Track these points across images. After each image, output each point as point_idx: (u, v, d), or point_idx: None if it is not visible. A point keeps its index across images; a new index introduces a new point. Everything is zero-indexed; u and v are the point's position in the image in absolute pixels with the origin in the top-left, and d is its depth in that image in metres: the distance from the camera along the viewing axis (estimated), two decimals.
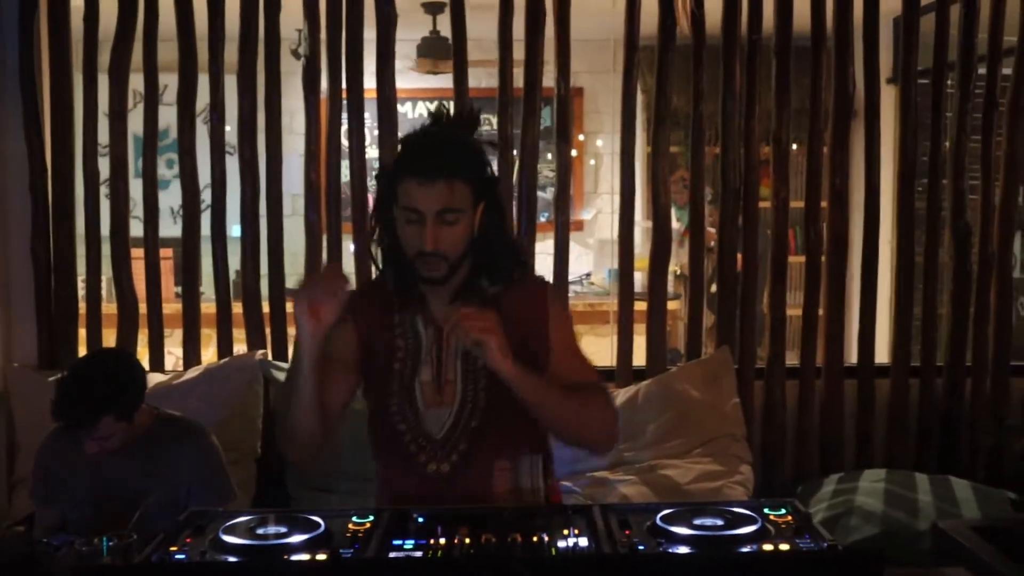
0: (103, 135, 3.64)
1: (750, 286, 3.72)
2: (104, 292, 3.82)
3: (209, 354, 3.80)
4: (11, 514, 3.29)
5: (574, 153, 6.98)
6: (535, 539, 1.75)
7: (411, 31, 5.77)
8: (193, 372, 3.59)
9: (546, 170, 5.84)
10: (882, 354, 3.84)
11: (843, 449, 3.73)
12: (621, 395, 3.57)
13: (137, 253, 3.71)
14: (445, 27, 3.69)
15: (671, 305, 4.65)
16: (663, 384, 3.57)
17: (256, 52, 3.62)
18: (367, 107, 3.69)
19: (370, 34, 3.65)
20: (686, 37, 3.66)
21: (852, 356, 3.82)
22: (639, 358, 3.76)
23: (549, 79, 3.67)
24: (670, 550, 1.71)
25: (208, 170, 3.66)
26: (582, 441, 2.23)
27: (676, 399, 3.51)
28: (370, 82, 3.66)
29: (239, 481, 3.27)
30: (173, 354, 3.87)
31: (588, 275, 6.42)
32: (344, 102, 3.67)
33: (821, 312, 3.76)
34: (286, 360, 3.68)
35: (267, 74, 3.63)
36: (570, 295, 5.43)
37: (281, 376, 3.54)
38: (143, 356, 3.72)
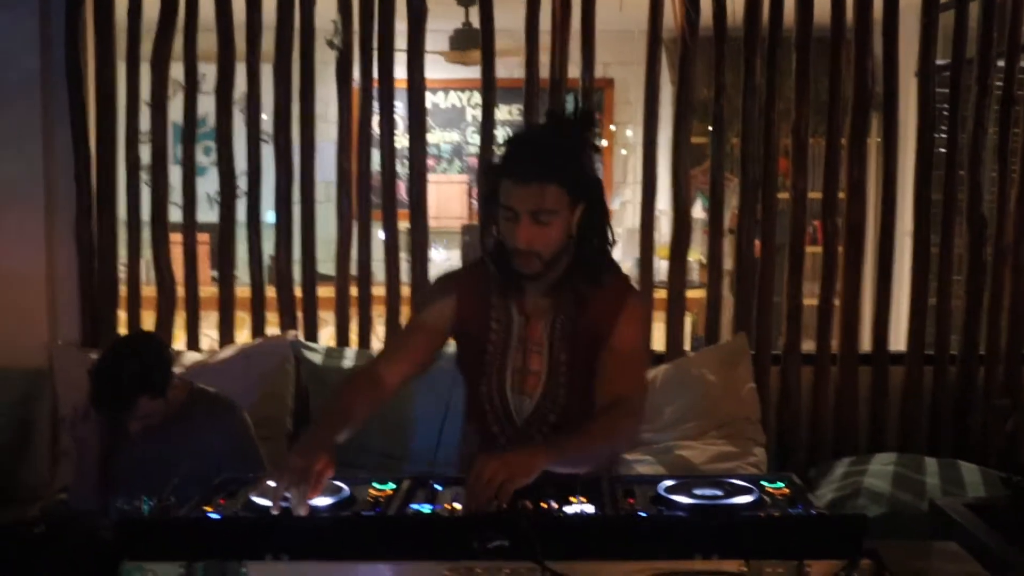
0: (144, 123, 3.78)
1: (768, 274, 3.80)
2: (143, 275, 3.97)
3: (243, 336, 3.94)
4: (55, 483, 3.45)
5: (605, 143, 7.08)
6: (544, 505, 1.87)
7: (445, 22, 5.88)
8: (227, 352, 3.73)
9: None
10: (897, 343, 3.92)
11: (856, 434, 3.81)
12: None
13: (175, 238, 3.86)
14: (477, 19, 3.80)
15: (697, 294, 4.75)
16: (681, 368, 3.67)
17: (292, 42, 3.74)
18: (399, 97, 3.81)
19: (402, 26, 3.76)
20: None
21: (867, 344, 3.90)
22: (660, 343, 3.86)
23: (577, 70, 3.77)
24: (669, 516, 1.82)
25: (244, 157, 3.80)
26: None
27: (693, 383, 3.61)
28: (402, 72, 3.77)
29: (270, 458, 3.39)
30: (209, 336, 4.01)
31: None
32: (376, 92, 3.78)
33: (837, 301, 3.83)
34: (316, 341, 3.83)
35: (302, 64, 3.75)
36: None
37: (312, 356, 3.68)
38: (179, 337, 3.87)
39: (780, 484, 1.99)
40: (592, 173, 2.20)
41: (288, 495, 1.84)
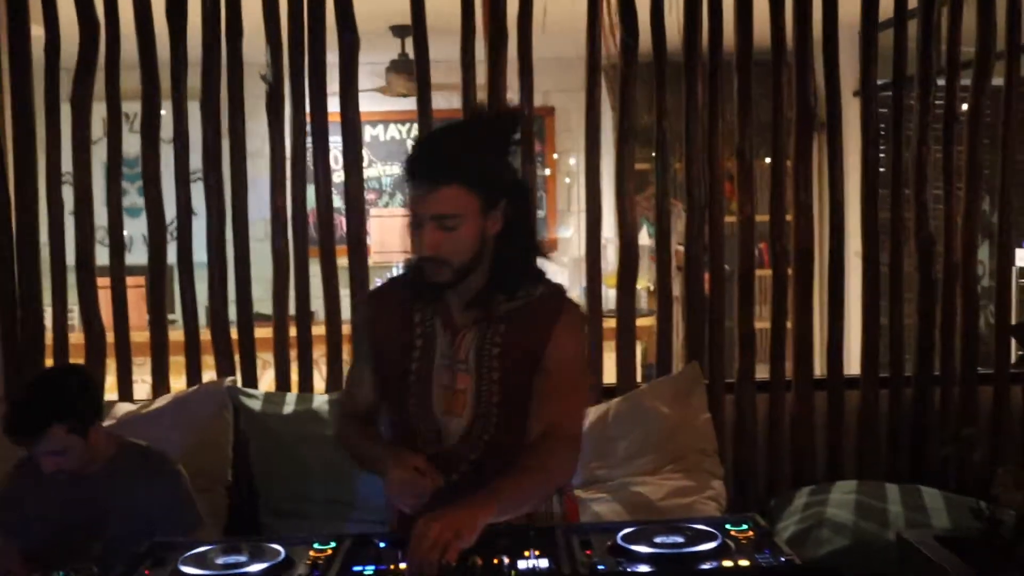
0: (68, 164, 3.62)
1: (718, 301, 3.73)
2: (73, 322, 3.79)
3: (182, 382, 3.77)
4: None
5: (548, 172, 7.02)
6: (495, 561, 1.75)
7: (380, 54, 5.80)
8: (162, 400, 3.57)
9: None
10: (852, 365, 3.86)
11: (815, 461, 3.74)
12: (591, 413, 3.56)
13: (104, 282, 3.69)
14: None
15: (647, 322, 4.67)
16: (633, 401, 3.57)
17: (219, 78, 3.61)
18: (335, 131, 3.69)
19: (334, 58, 3.65)
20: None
21: (821, 368, 3.84)
22: (610, 375, 3.76)
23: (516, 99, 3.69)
24: (630, 569, 1.71)
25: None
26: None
27: (646, 416, 3.51)
28: (336, 106, 3.66)
29: (209, 509, 3.24)
30: (146, 382, 3.84)
31: None
32: (308, 127, 3.66)
33: (789, 325, 3.77)
34: (255, 386, 3.68)
35: (231, 100, 3.62)
36: None
37: (250, 403, 3.53)
38: (112, 386, 3.70)
39: (744, 527, 1.90)
40: (509, 175, 2.07)
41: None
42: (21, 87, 3.58)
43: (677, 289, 3.90)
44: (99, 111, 3.62)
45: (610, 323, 3.81)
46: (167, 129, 3.63)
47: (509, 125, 2.07)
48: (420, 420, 2.11)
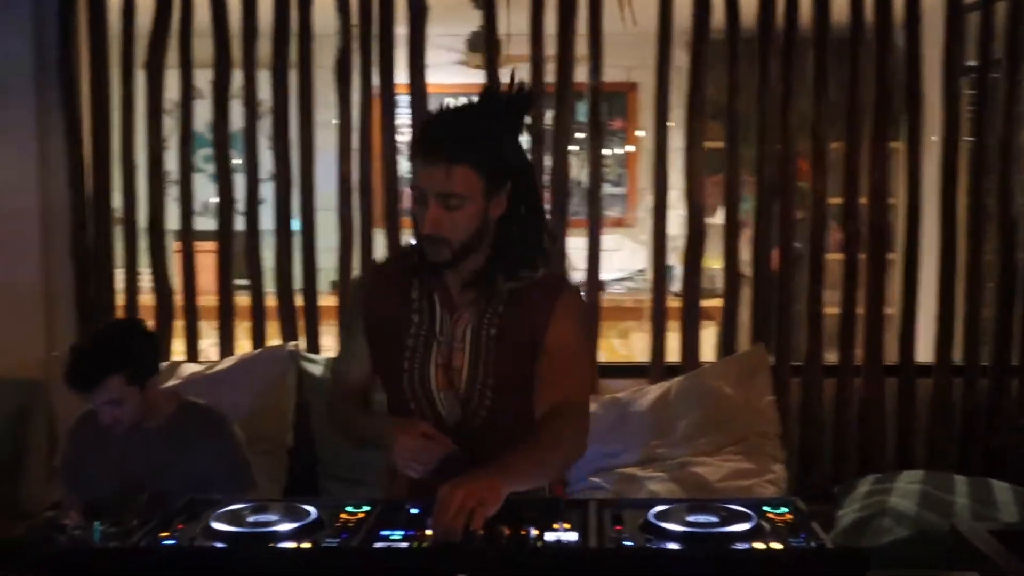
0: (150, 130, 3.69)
1: (787, 282, 3.65)
2: (146, 284, 3.88)
3: (249, 347, 3.82)
4: (48, 500, 3.36)
5: (632, 148, 6.92)
6: (523, 532, 1.73)
7: (463, 26, 5.78)
8: (226, 363, 3.62)
9: (616, 165, 6.41)
10: (925, 354, 3.74)
11: (883, 449, 3.64)
12: (653, 391, 3.53)
13: (179, 245, 3.77)
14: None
15: (718, 302, 4.59)
16: (696, 381, 3.52)
17: (288, 46, 3.64)
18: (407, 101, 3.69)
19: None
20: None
21: (893, 354, 3.73)
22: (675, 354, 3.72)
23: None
24: (658, 546, 1.68)
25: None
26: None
27: (709, 396, 3.46)
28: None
29: (270, 472, 3.29)
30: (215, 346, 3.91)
31: (642, 271, 6.36)
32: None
33: (861, 310, 3.66)
34: (318, 351, 3.71)
35: (300, 69, 3.64)
36: (621, 291, 5.42)
37: (312, 368, 3.56)
38: (179, 347, 3.77)
39: (784, 509, 1.84)
40: (517, 157, 2.04)
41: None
42: (98, 53, 3.65)
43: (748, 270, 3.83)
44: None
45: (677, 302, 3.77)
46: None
47: (522, 105, 2.04)
48: (416, 396, 2.11)
